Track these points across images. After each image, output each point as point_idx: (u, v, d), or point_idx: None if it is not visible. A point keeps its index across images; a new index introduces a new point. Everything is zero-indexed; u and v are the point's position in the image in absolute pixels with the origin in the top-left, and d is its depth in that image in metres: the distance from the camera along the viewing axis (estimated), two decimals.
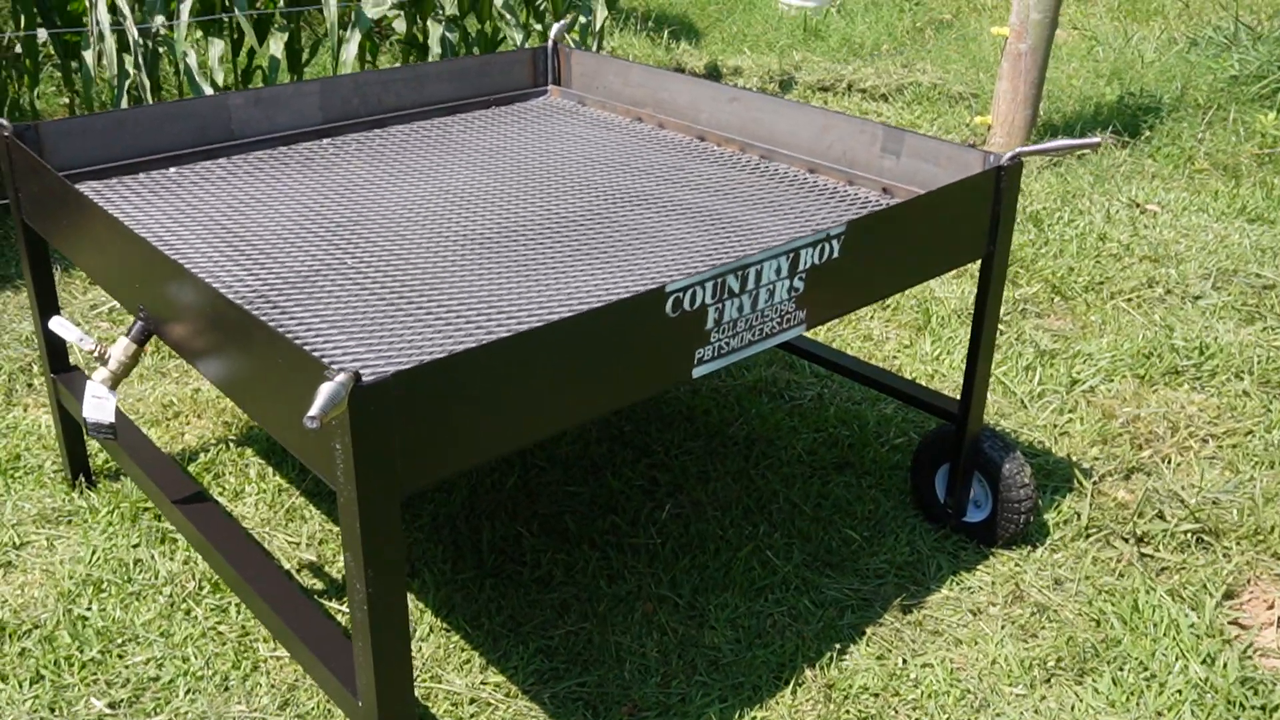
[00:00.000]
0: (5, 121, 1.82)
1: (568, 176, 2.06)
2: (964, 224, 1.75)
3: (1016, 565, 2.01)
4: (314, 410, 0.96)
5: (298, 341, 1.37)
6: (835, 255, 1.52)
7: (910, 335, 2.92)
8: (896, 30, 6.09)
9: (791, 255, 1.47)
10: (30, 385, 2.55)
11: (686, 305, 1.36)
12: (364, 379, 1.07)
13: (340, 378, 1.01)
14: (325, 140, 2.19)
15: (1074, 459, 2.34)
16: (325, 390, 0.98)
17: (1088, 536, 2.10)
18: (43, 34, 3.66)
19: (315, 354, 1.33)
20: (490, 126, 2.35)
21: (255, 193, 1.94)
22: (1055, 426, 2.46)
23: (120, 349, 1.50)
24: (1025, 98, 4.16)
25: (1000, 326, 2.98)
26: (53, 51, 3.83)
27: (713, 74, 5.34)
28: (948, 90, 5.00)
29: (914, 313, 3.02)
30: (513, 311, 1.48)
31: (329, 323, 1.44)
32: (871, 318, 3.02)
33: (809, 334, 2.91)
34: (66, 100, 4.16)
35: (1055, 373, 2.68)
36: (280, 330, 1.40)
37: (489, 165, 2.12)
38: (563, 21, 2.60)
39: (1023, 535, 2.07)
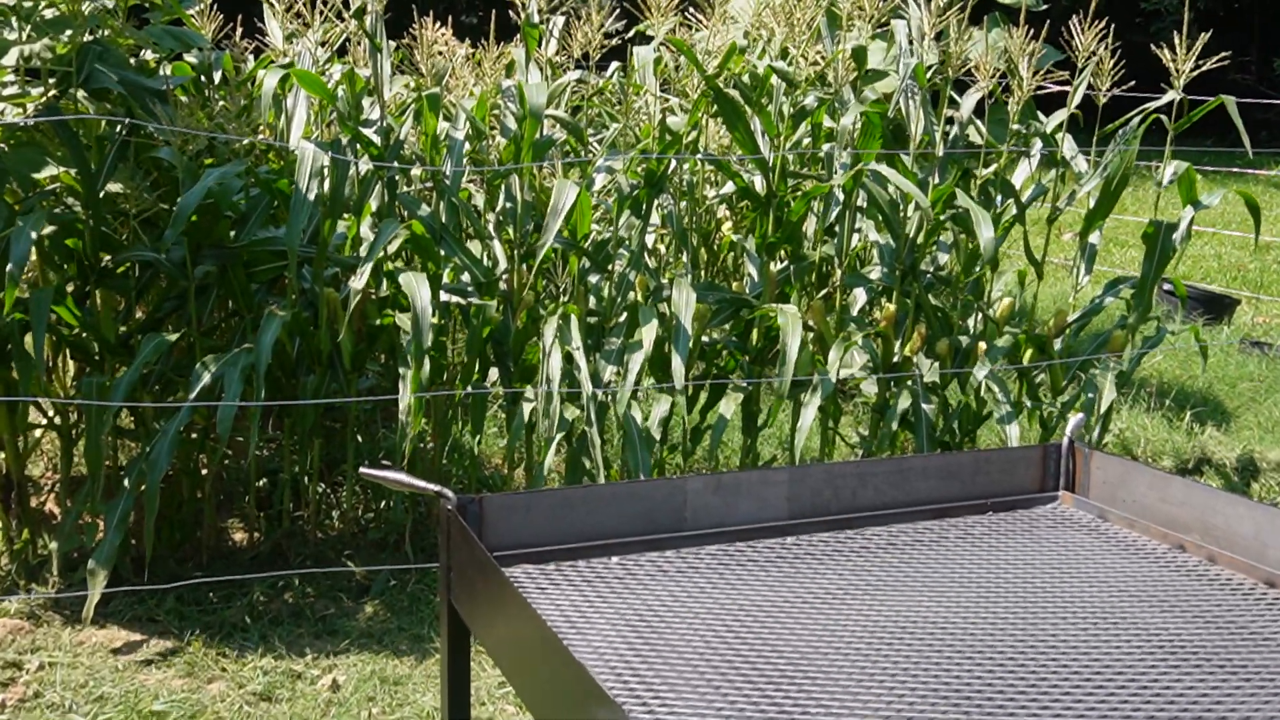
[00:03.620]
0: (450, 493, 1.91)
1: (1091, 617, 1.86)
2: None
3: None
4: None
5: None
6: None
7: None
8: None
9: None
10: None
11: None
12: None
13: None
14: (789, 539, 2.15)
15: None
16: None
17: None
18: (493, 374, 4.03)
19: None
20: (987, 538, 2.21)
21: (703, 598, 1.89)
22: None
23: None
24: None
25: None
26: (500, 394, 4.18)
27: (1247, 468, 4.96)
28: None
29: None
30: None
31: None
32: None
33: None
34: (504, 442, 4.52)
35: None
36: None
37: (984, 588, 1.97)
38: (1079, 416, 2.47)
39: None
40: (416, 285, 3.50)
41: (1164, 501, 2.21)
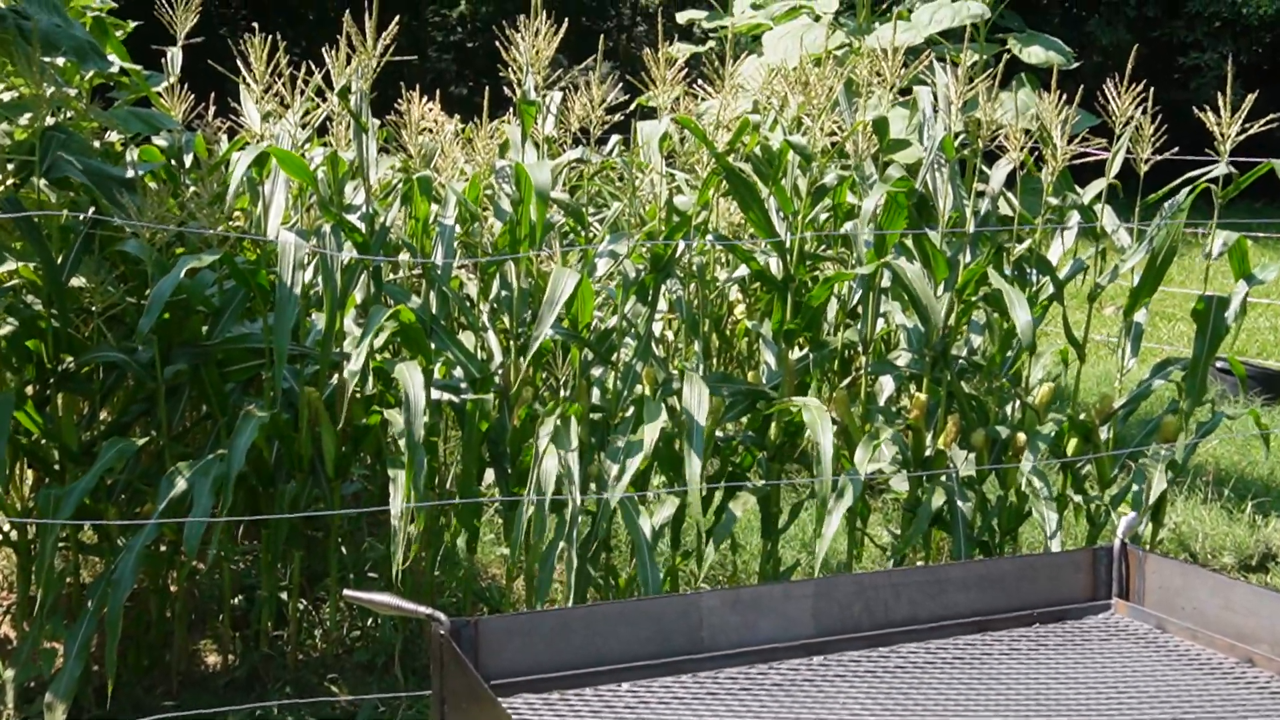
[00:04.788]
0: (442, 617, 1.90)
1: None
2: None
3: None
4: None
5: None
6: None
7: None
8: None
9: None
10: None
11: None
12: None
13: None
14: (816, 659, 2.13)
15: None
16: None
17: None
18: (489, 476, 4.02)
19: None
20: (1034, 653, 2.19)
21: None
22: None
23: None
24: None
25: None
26: (494, 498, 4.18)
27: None
28: None
29: None
30: None
31: None
32: None
33: None
34: (505, 551, 4.49)
35: None
36: None
37: (1032, 710, 1.94)
38: (1131, 516, 2.45)
39: None
40: (409, 375, 3.49)
41: (1229, 609, 2.19)
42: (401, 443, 3.45)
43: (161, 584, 3.81)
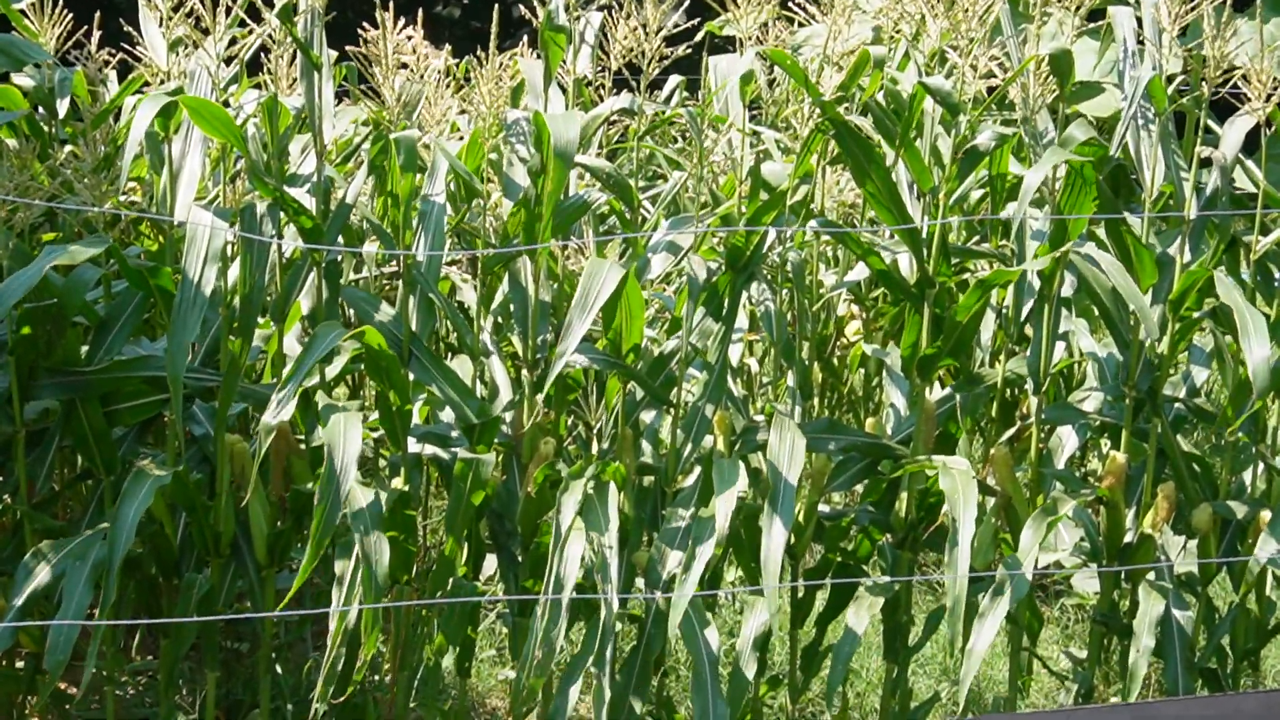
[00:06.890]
0: None
1: None
2: None
3: None
4: None
5: None
6: None
7: None
8: None
9: None
10: None
11: None
12: None
13: None
14: None
15: None
16: None
17: None
18: (489, 566, 4.04)
19: None
20: None
21: None
22: None
23: None
24: None
25: None
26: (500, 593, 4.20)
27: None
28: None
29: None
30: None
31: None
32: None
33: None
34: (510, 673, 4.51)
35: None
36: None
37: None
38: None
39: None
40: (342, 429, 3.44)
41: None
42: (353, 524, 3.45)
43: (17, 714, 3.84)
